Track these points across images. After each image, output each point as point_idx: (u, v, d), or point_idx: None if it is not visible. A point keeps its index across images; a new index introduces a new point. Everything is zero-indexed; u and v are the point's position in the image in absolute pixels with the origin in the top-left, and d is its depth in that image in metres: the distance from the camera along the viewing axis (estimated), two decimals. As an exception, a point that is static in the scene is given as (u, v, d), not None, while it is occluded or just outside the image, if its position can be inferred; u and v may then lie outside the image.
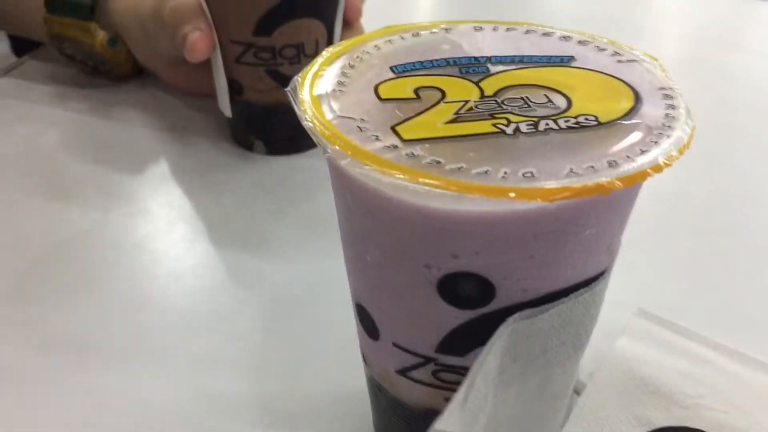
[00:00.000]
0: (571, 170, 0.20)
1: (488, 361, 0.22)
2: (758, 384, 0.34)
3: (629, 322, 0.37)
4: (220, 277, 0.42)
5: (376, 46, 0.27)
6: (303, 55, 0.48)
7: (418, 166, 0.20)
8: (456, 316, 0.23)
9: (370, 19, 0.53)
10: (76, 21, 0.55)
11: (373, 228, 0.23)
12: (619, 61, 0.26)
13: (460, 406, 0.21)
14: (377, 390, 0.29)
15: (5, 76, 0.62)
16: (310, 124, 0.22)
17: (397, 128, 0.22)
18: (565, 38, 0.27)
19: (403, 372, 0.26)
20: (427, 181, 0.19)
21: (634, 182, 0.20)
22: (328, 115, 0.22)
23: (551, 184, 0.19)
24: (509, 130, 0.22)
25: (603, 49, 0.26)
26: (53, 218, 0.46)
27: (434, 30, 0.28)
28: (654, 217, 0.45)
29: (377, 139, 0.21)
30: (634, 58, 0.26)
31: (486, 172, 0.20)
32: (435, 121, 0.22)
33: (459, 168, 0.20)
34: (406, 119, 0.22)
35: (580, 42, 0.27)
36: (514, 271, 0.22)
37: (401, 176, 0.19)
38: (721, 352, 0.35)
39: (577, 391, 0.33)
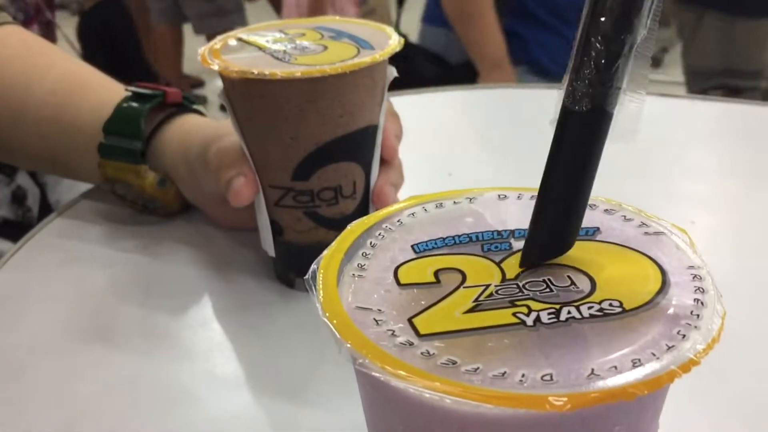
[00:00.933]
0: (593, 371, 0.19)
1: None
2: None
3: None
4: (261, 426, 0.41)
5: (399, 221, 0.27)
6: (341, 196, 0.49)
7: (433, 368, 0.20)
8: None
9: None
10: (128, 165, 0.57)
11: (393, 421, 0.22)
12: (646, 233, 0.25)
13: None
14: None
15: (60, 216, 0.64)
16: (326, 320, 0.22)
17: (414, 321, 0.21)
18: (591, 207, 0.27)
19: None
20: (441, 387, 0.19)
21: (659, 386, 0.19)
22: (346, 306, 0.22)
23: (569, 391, 0.18)
24: (530, 321, 0.21)
25: (630, 219, 0.26)
26: (97, 364, 0.46)
27: (457, 200, 0.28)
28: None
29: (393, 334, 0.21)
30: (662, 230, 0.25)
31: (503, 374, 0.19)
32: (453, 311, 0.22)
33: (475, 369, 0.19)
34: (424, 309, 0.22)
35: (606, 210, 0.26)
36: (541, 470, 0.21)
37: (415, 383, 0.19)
38: None
39: None
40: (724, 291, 0.22)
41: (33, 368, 0.47)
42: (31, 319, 0.52)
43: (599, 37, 0.21)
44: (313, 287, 0.23)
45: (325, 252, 0.25)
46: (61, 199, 1.03)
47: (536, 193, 0.28)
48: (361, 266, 0.24)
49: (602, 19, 0.21)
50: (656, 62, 3.46)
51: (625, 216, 0.26)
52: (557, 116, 0.22)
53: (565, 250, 0.24)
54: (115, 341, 0.49)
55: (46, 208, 0.95)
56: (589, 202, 0.27)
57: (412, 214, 0.27)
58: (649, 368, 0.19)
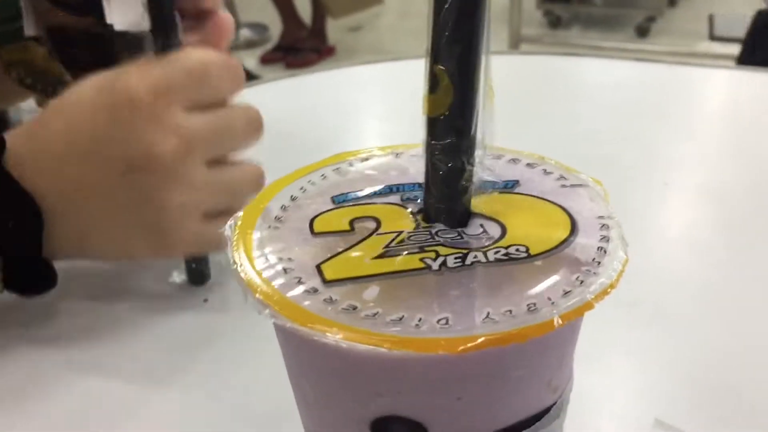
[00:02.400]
0: (488, 315, 0.19)
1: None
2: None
3: None
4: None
5: (323, 175, 0.27)
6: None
7: (333, 314, 0.20)
8: (395, 459, 0.22)
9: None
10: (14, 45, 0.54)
11: (304, 367, 0.22)
12: (563, 186, 0.25)
13: None
14: None
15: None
16: (238, 273, 0.22)
17: (322, 267, 0.22)
18: (514, 161, 0.27)
19: None
20: (335, 332, 0.19)
21: (550, 329, 0.19)
22: (258, 256, 0.22)
23: (462, 334, 0.19)
24: (435, 265, 0.21)
25: (550, 173, 0.26)
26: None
27: (384, 154, 0.28)
28: (675, 319, 0.44)
29: (300, 281, 0.21)
30: (580, 182, 0.25)
31: (401, 318, 0.19)
32: (363, 257, 0.22)
33: (374, 314, 0.20)
34: (332, 256, 0.22)
35: (528, 164, 0.27)
36: (444, 412, 0.21)
37: (312, 328, 0.19)
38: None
39: None
40: (699, 250, 0.22)
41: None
42: None
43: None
44: (228, 237, 0.23)
45: (243, 208, 0.25)
46: None
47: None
48: (279, 218, 0.24)
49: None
50: (643, 32, 3.44)
51: (545, 169, 0.26)
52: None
53: (460, 215, 0.23)
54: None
55: None
56: (513, 156, 0.27)
57: (337, 168, 0.27)
58: (544, 313, 0.19)
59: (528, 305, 0.20)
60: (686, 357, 0.42)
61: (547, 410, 0.23)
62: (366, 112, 0.83)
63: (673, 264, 0.50)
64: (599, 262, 0.21)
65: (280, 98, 0.83)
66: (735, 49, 1.86)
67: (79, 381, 0.42)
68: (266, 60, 3.35)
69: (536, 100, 0.79)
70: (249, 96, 0.76)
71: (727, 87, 0.84)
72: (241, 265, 0.22)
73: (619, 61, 0.89)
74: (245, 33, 3.50)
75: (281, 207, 0.25)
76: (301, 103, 0.82)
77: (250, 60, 3.27)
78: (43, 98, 0.59)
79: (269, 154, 0.57)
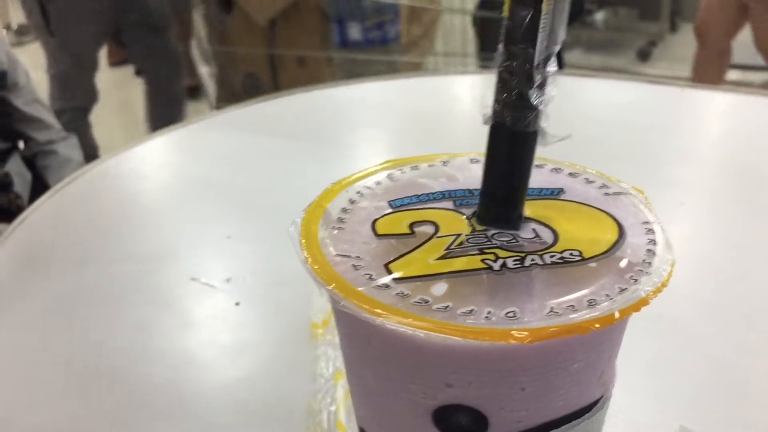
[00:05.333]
0: (552, 310, 0.21)
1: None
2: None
3: None
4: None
5: (377, 181, 0.28)
6: None
7: (407, 307, 0.21)
8: (451, 446, 0.24)
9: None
10: None
11: (372, 356, 0.24)
12: (607, 194, 0.27)
13: None
14: None
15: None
16: (309, 265, 0.23)
17: (390, 266, 0.23)
18: (556, 170, 0.29)
19: (404, 498, 0.26)
20: (414, 323, 0.20)
21: (611, 322, 0.20)
22: (327, 254, 0.24)
23: (530, 326, 0.20)
24: (496, 266, 0.23)
25: (592, 182, 0.28)
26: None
27: (432, 163, 0.30)
28: (692, 332, 0.45)
29: (370, 278, 0.23)
30: (621, 190, 0.27)
31: (471, 311, 0.21)
32: (426, 258, 0.24)
33: (445, 307, 0.21)
34: (399, 256, 0.24)
35: (570, 174, 0.28)
36: (506, 402, 0.22)
37: (390, 319, 0.21)
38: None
39: None
40: (710, 266, 0.23)
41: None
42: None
43: (513, 66, 0.23)
44: (294, 236, 0.25)
45: (307, 207, 0.26)
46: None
47: (506, 158, 0.30)
48: (341, 220, 0.26)
49: (514, 49, 0.22)
50: (644, 56, 3.49)
51: (587, 179, 0.28)
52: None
53: (514, 218, 0.25)
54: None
55: (42, 191, 0.96)
56: (555, 166, 0.29)
57: (389, 175, 0.29)
58: (604, 307, 0.21)
59: (588, 301, 0.21)
60: (708, 366, 0.43)
61: (595, 403, 0.24)
62: (370, 128, 0.84)
63: (692, 279, 0.52)
64: (649, 263, 0.23)
65: (297, 111, 0.85)
66: (735, 75, 1.90)
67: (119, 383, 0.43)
68: None
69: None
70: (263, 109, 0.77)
71: (733, 109, 0.87)
72: (312, 261, 0.23)
73: (625, 81, 0.92)
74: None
75: (342, 209, 0.26)
76: (315, 117, 0.84)
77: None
78: None
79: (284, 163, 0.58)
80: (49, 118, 1.37)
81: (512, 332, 0.20)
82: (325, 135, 0.79)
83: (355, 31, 1.91)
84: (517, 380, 0.22)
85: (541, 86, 0.23)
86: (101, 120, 2.19)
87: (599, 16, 3.74)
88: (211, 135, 0.80)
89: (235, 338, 0.47)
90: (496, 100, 0.24)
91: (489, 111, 0.24)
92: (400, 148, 0.77)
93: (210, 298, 0.50)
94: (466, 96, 0.93)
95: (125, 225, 0.61)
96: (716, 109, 0.87)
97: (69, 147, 1.41)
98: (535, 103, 0.23)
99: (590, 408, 0.24)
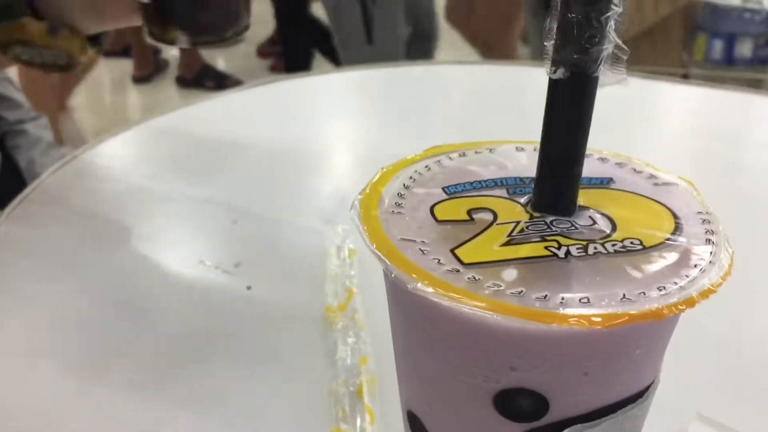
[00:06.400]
0: (624, 296, 0.21)
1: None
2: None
3: (690, 427, 0.37)
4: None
5: (426, 166, 0.28)
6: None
7: (481, 292, 0.21)
8: (511, 429, 0.24)
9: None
10: (10, 24, 0.53)
11: (436, 340, 0.24)
12: (656, 184, 0.27)
13: None
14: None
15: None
16: (375, 251, 0.23)
17: (457, 252, 0.23)
18: (602, 160, 0.29)
19: (454, 481, 0.27)
20: (492, 307, 0.21)
21: (683, 309, 0.21)
22: (391, 237, 0.24)
23: (607, 311, 0.21)
24: (561, 253, 0.23)
25: (639, 172, 0.28)
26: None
27: (479, 150, 0.30)
28: (709, 321, 0.46)
29: (439, 262, 0.23)
30: (670, 181, 0.27)
31: (545, 297, 0.21)
32: (490, 244, 0.24)
33: (519, 292, 0.21)
34: (463, 242, 0.24)
35: (617, 164, 0.29)
36: (569, 386, 0.23)
37: (468, 303, 0.21)
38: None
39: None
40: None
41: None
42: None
43: (575, 10, 0.23)
44: (357, 221, 0.25)
45: (363, 190, 0.27)
46: (37, 161, 1.01)
47: (551, 147, 0.30)
48: (399, 204, 0.26)
49: None
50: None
51: (635, 168, 0.28)
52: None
53: (569, 204, 0.25)
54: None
55: (11, 171, 0.93)
56: (600, 156, 0.29)
57: (438, 161, 0.29)
58: (674, 295, 0.21)
59: (658, 288, 0.22)
60: (727, 354, 0.44)
61: (648, 388, 0.25)
62: (342, 118, 0.84)
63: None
64: (711, 252, 0.23)
65: (262, 103, 0.84)
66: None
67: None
68: (262, 53, 3.29)
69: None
70: (231, 100, 0.77)
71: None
72: (379, 245, 0.23)
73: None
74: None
75: (397, 194, 0.27)
76: (281, 108, 0.83)
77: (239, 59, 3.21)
78: (44, 70, 0.57)
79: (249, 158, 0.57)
80: (19, 97, 1.34)
81: (592, 318, 0.20)
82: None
83: (745, 48, 1.79)
84: (581, 365, 0.22)
85: (602, 29, 0.23)
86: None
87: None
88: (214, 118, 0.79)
89: (249, 322, 0.47)
90: (559, 45, 0.23)
91: (550, 58, 0.24)
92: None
93: (220, 282, 0.50)
94: None
95: (124, 211, 0.61)
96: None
97: (39, 127, 1.38)
98: (597, 46, 0.23)
99: (643, 393, 0.25)
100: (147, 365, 0.43)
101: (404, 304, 0.25)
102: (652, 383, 0.25)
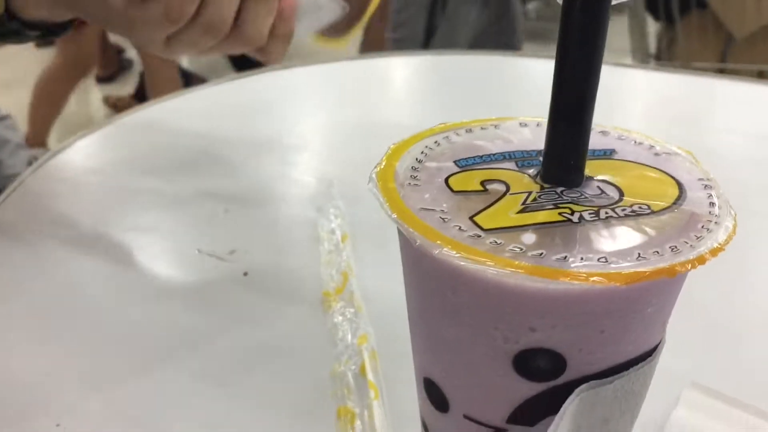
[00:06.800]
0: (640, 255, 0.22)
1: (561, 427, 0.24)
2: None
3: (683, 394, 0.39)
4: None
5: (435, 142, 0.29)
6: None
7: (502, 254, 0.22)
8: (529, 389, 0.25)
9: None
10: None
11: (455, 305, 0.25)
12: (657, 154, 0.29)
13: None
14: (441, 461, 0.30)
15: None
16: (399, 219, 0.24)
17: (476, 219, 0.24)
18: (603, 133, 0.30)
19: (472, 443, 0.28)
20: (518, 267, 0.22)
21: (696, 266, 0.22)
22: (411, 208, 0.25)
23: (626, 269, 0.22)
24: (575, 218, 0.24)
25: (640, 143, 0.29)
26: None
27: (484, 126, 0.31)
28: (703, 290, 0.48)
29: (460, 229, 0.24)
30: (670, 151, 0.29)
31: (565, 257, 0.22)
32: (507, 212, 0.25)
33: (540, 254, 0.22)
34: (481, 210, 0.25)
35: (618, 137, 0.30)
36: (586, 344, 0.24)
37: (495, 265, 0.22)
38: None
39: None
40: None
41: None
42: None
43: None
44: (377, 192, 0.26)
45: (378, 164, 0.27)
46: (5, 161, 1.00)
47: (553, 122, 0.31)
48: (414, 177, 0.27)
49: None
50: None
51: (636, 140, 0.30)
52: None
53: (578, 174, 0.26)
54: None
55: None
56: (601, 129, 0.31)
57: (446, 137, 0.30)
58: (685, 253, 0.23)
59: (670, 247, 0.23)
60: (720, 323, 0.46)
61: (656, 347, 0.26)
62: (317, 110, 0.84)
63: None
64: (716, 214, 0.25)
65: (226, 100, 0.84)
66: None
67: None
68: None
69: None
70: (193, 99, 0.77)
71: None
72: (400, 214, 0.24)
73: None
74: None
75: (411, 168, 0.27)
76: (254, 102, 0.83)
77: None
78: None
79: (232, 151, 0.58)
80: None
81: (612, 275, 0.21)
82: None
83: None
84: (599, 323, 0.23)
85: None
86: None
87: (531, 6, 3.82)
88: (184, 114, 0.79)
89: (247, 307, 0.47)
90: None
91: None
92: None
93: (217, 269, 0.51)
94: None
95: (111, 207, 0.60)
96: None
97: (6, 127, 1.36)
98: None
99: (652, 352, 0.26)
100: (149, 354, 0.43)
101: (425, 273, 0.26)
102: (659, 343, 0.27)
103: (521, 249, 0.23)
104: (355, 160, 0.61)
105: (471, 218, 0.24)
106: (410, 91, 0.90)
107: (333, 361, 0.42)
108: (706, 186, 0.26)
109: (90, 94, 3.02)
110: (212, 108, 0.80)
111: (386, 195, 0.26)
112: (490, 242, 0.23)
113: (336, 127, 0.78)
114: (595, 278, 0.21)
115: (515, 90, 0.89)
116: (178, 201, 0.60)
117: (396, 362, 0.40)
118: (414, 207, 0.25)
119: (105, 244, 0.54)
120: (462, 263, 0.22)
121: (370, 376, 0.40)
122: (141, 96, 2.80)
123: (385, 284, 0.45)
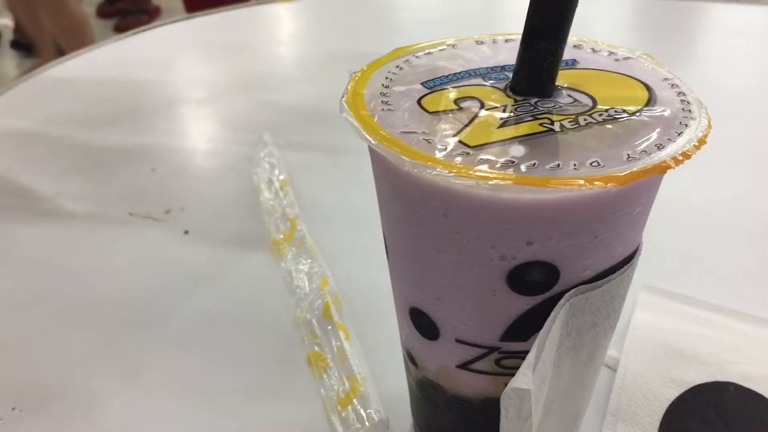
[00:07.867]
0: (629, 156, 0.22)
1: (552, 332, 0.24)
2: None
3: (639, 297, 0.40)
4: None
5: (397, 66, 0.28)
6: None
7: (498, 169, 0.22)
8: (524, 303, 0.25)
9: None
10: None
11: (447, 229, 0.24)
12: (617, 60, 0.29)
13: (531, 367, 0.23)
14: (431, 389, 0.30)
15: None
16: (379, 143, 0.23)
17: (460, 137, 0.24)
18: (561, 44, 0.30)
19: (465, 365, 0.28)
20: (518, 179, 0.21)
21: (684, 160, 0.22)
22: (391, 132, 0.24)
23: (621, 170, 0.22)
24: (556, 127, 0.24)
25: (598, 51, 0.29)
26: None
27: (441, 47, 0.30)
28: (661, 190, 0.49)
29: (447, 149, 0.23)
30: (629, 55, 0.29)
31: (558, 165, 0.22)
32: (488, 128, 0.24)
33: (533, 164, 0.22)
34: (462, 129, 0.24)
35: (574, 46, 0.30)
36: (580, 253, 0.24)
37: (493, 180, 0.21)
38: (725, 314, 0.39)
39: (611, 366, 0.35)
40: None
41: None
42: None
43: None
44: (352, 120, 0.24)
45: (344, 94, 0.26)
46: None
47: (508, 38, 0.31)
48: (385, 102, 0.26)
49: None
50: None
51: (593, 48, 0.30)
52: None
53: (550, 84, 0.26)
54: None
55: None
56: (557, 41, 0.30)
57: (406, 61, 0.29)
58: (672, 149, 0.23)
59: (656, 145, 0.23)
60: (673, 223, 0.47)
61: (638, 248, 0.27)
62: (189, 66, 0.81)
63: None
64: (689, 110, 0.25)
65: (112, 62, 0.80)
66: None
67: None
68: (102, 14, 3.15)
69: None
70: (80, 62, 0.73)
71: None
72: (381, 139, 0.23)
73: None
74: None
75: (380, 93, 0.26)
76: (131, 64, 0.79)
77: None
78: None
79: (147, 108, 0.55)
80: None
81: (610, 176, 0.21)
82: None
83: None
84: (593, 228, 0.23)
85: None
86: None
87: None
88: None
89: (196, 267, 0.45)
90: None
91: None
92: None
93: (155, 231, 0.48)
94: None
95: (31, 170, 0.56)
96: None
97: None
98: None
99: (635, 254, 0.26)
100: (105, 324, 0.41)
101: (412, 200, 0.25)
102: (640, 244, 0.27)
103: (514, 162, 0.22)
104: (280, 105, 0.59)
105: (455, 136, 0.24)
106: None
107: (294, 309, 0.41)
108: (672, 85, 0.27)
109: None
110: (112, 68, 0.76)
111: (361, 122, 0.25)
112: (481, 158, 0.22)
113: (246, 75, 0.75)
114: (597, 182, 0.21)
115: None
116: (100, 162, 0.57)
117: (358, 301, 0.39)
118: (394, 131, 0.24)
119: (32, 216, 0.50)
120: (457, 182, 0.22)
121: (336, 317, 0.39)
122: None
123: (334, 225, 0.44)
